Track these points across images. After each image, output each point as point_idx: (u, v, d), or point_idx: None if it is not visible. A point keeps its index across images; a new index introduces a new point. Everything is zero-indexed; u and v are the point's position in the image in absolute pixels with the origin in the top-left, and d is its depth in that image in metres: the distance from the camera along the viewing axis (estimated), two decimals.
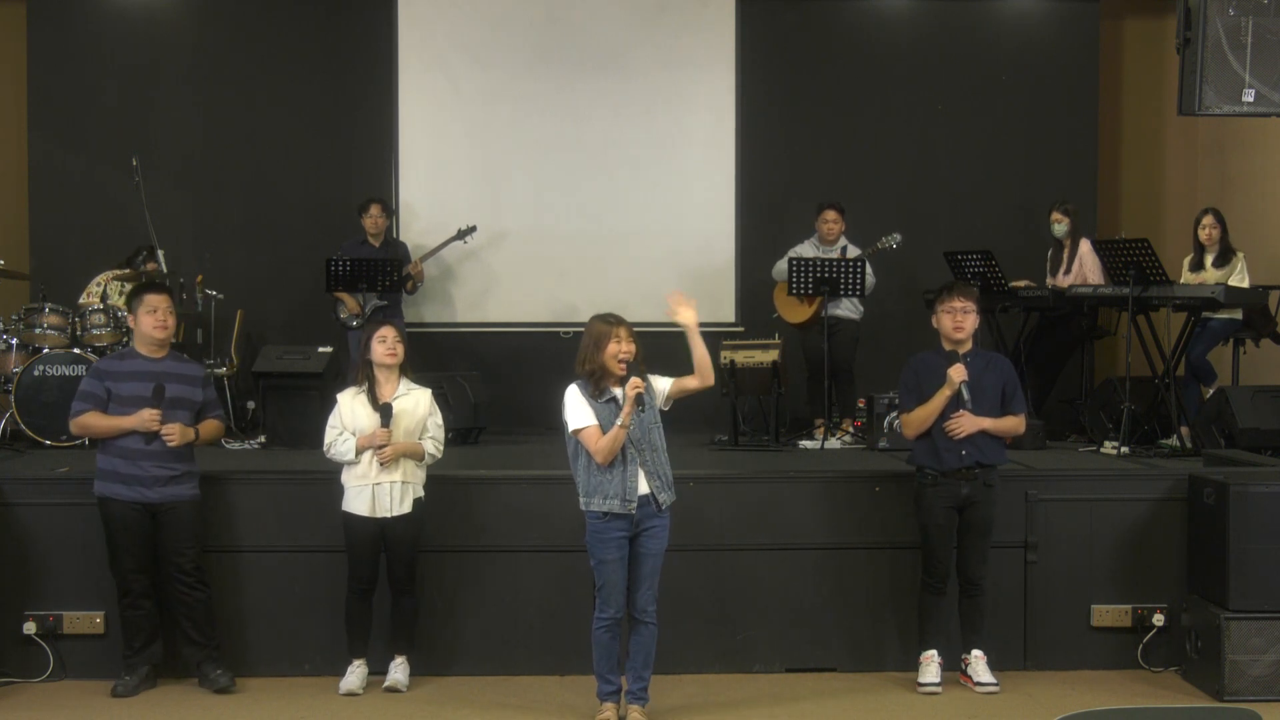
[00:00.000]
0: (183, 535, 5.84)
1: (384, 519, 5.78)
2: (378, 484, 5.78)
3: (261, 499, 6.18)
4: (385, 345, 5.89)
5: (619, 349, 5.25)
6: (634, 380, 5.18)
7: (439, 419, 5.99)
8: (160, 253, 8.35)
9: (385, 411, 5.78)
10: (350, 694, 5.83)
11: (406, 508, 5.82)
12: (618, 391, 5.28)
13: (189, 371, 6.01)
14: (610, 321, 5.33)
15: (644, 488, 5.28)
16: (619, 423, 5.18)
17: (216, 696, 5.81)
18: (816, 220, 8.58)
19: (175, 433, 5.75)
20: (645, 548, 5.33)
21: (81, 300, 8.37)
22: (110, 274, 8.54)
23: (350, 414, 5.84)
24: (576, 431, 5.29)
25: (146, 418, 5.72)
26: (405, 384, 5.94)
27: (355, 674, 5.89)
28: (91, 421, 5.80)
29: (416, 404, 5.91)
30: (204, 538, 5.98)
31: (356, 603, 5.88)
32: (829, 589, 6.28)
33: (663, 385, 5.41)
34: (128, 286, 8.47)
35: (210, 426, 5.98)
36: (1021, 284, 8.57)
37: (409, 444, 5.84)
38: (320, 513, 6.04)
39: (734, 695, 5.91)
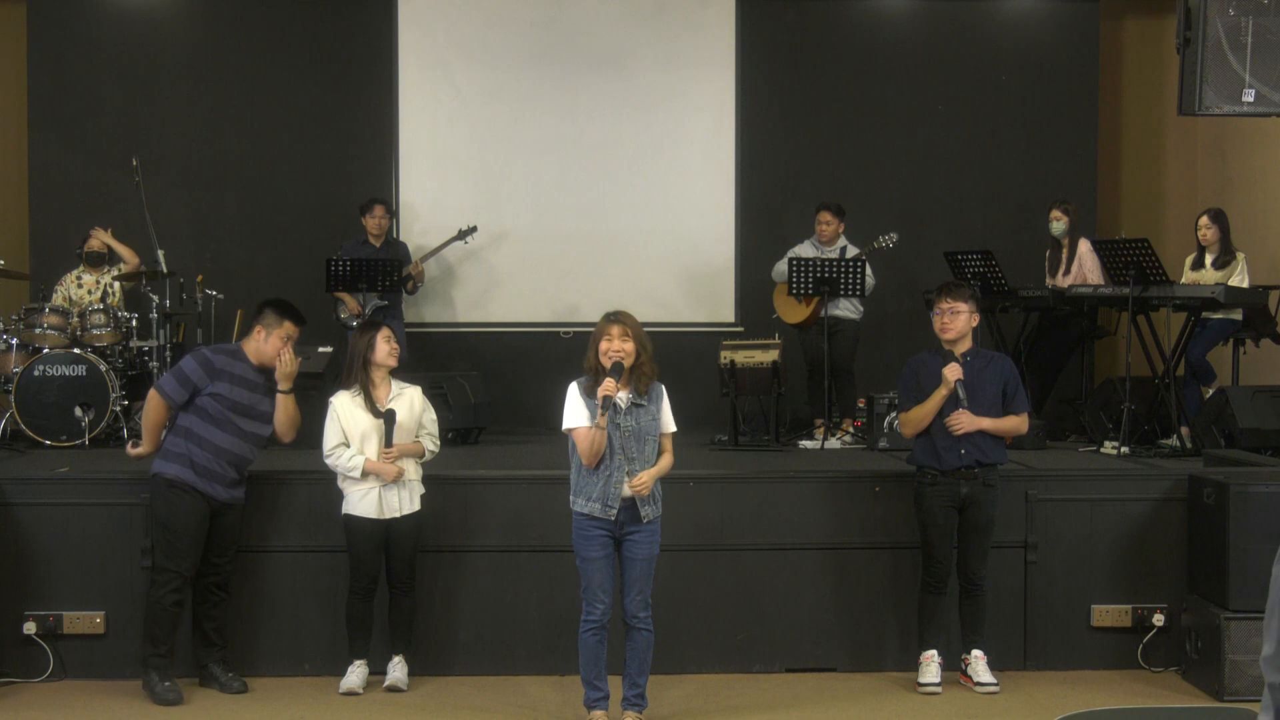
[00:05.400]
0: (229, 537, 5.87)
1: (390, 519, 5.80)
2: (385, 486, 5.80)
3: (261, 499, 6.17)
4: (390, 345, 5.92)
5: (609, 347, 5.16)
6: (606, 383, 5.07)
7: (433, 414, 6.05)
8: (160, 252, 8.34)
9: (389, 418, 5.79)
10: (350, 693, 5.82)
11: (415, 505, 5.88)
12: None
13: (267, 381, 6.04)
14: (609, 319, 5.23)
15: (628, 495, 5.16)
16: (594, 423, 5.10)
17: (216, 696, 5.80)
18: (815, 220, 8.59)
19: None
20: (631, 553, 5.22)
21: (60, 301, 8.30)
22: (110, 272, 8.55)
23: (351, 420, 5.83)
24: (568, 430, 5.24)
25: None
26: (396, 384, 5.97)
27: (355, 673, 5.89)
28: (158, 416, 5.76)
29: (411, 404, 5.94)
30: (241, 540, 6.01)
31: (358, 604, 5.88)
32: (829, 589, 6.28)
33: (667, 415, 5.30)
34: (114, 284, 8.49)
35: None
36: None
37: (410, 445, 5.88)
38: (320, 513, 6.05)
39: (734, 695, 5.90)
